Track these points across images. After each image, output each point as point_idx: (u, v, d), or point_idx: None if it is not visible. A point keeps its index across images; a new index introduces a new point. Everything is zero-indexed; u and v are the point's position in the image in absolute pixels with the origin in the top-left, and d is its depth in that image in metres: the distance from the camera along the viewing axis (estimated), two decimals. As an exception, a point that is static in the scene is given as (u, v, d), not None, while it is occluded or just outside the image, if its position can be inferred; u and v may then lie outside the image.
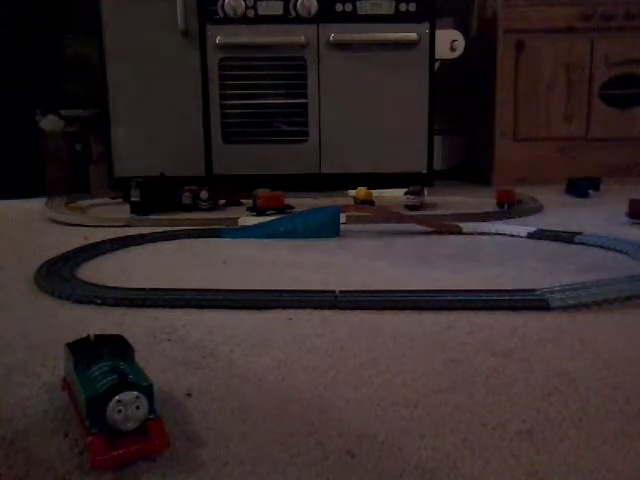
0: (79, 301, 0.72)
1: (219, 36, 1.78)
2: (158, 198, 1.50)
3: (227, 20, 1.78)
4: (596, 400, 0.45)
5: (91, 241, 1.07)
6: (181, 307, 0.70)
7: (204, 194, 1.51)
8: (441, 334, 0.60)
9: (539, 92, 1.98)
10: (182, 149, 1.85)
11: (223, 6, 1.77)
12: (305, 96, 1.84)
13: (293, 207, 1.41)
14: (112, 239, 1.09)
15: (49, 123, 1.96)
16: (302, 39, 1.79)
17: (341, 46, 1.82)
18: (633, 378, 0.49)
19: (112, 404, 0.36)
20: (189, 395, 0.47)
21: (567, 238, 1.06)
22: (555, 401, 0.45)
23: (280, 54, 1.81)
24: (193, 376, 0.51)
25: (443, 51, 1.88)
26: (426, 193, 1.66)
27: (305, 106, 1.84)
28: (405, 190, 1.51)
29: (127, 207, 1.47)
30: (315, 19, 1.79)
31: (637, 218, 1.22)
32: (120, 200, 1.64)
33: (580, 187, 1.68)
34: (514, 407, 0.44)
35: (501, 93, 1.98)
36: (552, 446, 0.39)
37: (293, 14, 1.79)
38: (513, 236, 1.11)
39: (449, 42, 1.88)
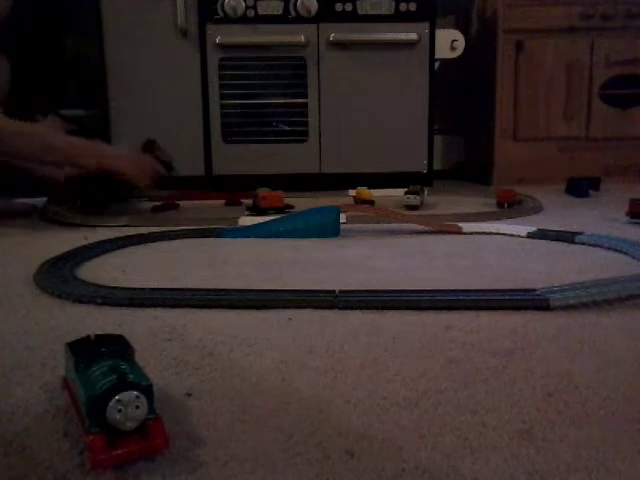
0: (79, 301, 0.72)
1: (219, 36, 1.78)
2: (104, 193, 1.49)
3: (227, 20, 1.78)
4: (596, 400, 0.45)
5: (91, 241, 1.07)
6: (181, 307, 0.70)
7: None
8: (441, 334, 0.60)
9: (539, 92, 1.98)
10: (182, 149, 1.85)
11: (223, 6, 1.77)
12: (305, 96, 1.84)
13: (293, 207, 1.41)
14: (112, 239, 1.09)
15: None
16: (302, 39, 1.79)
17: (341, 46, 1.82)
18: (633, 378, 0.49)
19: (112, 404, 0.36)
20: (189, 395, 0.47)
21: (567, 238, 1.06)
22: (555, 401, 0.45)
23: (280, 54, 1.82)
24: (193, 376, 0.51)
25: (443, 51, 1.89)
26: (426, 193, 1.66)
27: (305, 106, 1.85)
28: (405, 190, 1.51)
29: (128, 207, 1.47)
30: (315, 19, 1.79)
31: (637, 218, 1.22)
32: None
33: (580, 187, 1.68)
34: (514, 407, 0.44)
35: (501, 93, 1.99)
36: (552, 446, 0.39)
37: (293, 14, 1.79)
38: (513, 236, 1.11)
39: (449, 42, 1.89)
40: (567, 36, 1.94)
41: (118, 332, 0.46)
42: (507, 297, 0.70)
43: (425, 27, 1.82)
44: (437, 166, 2.16)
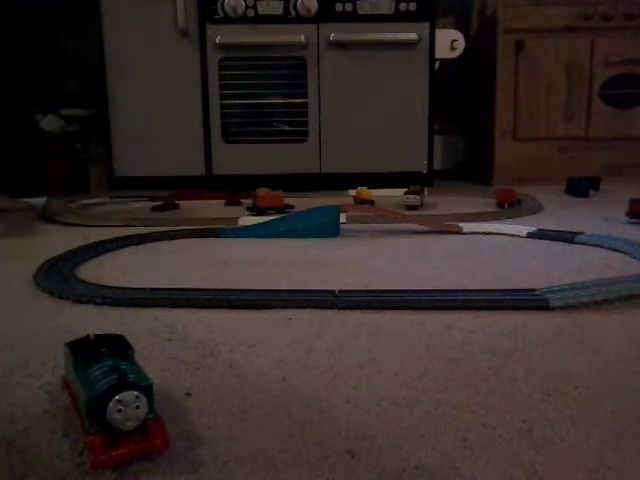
0: (79, 301, 0.72)
1: (219, 36, 1.78)
2: None
3: (227, 20, 1.78)
4: (596, 400, 0.45)
5: (91, 241, 1.07)
6: (181, 307, 0.70)
7: None
8: (441, 334, 0.60)
9: (539, 92, 1.98)
10: (182, 149, 1.85)
11: (223, 6, 1.77)
12: (305, 96, 1.84)
13: (293, 207, 1.41)
14: (112, 239, 1.09)
15: (49, 123, 1.96)
16: (302, 39, 1.79)
17: (341, 46, 1.82)
18: (633, 378, 0.49)
19: (112, 404, 0.36)
20: (189, 395, 0.47)
21: (567, 238, 1.06)
22: (555, 401, 0.45)
23: (280, 54, 1.82)
24: (193, 376, 0.51)
25: (443, 51, 1.89)
26: (426, 193, 1.66)
27: (305, 106, 1.85)
28: (405, 190, 1.51)
29: (130, 206, 1.47)
30: (315, 19, 1.79)
31: (637, 218, 1.22)
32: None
33: (580, 187, 1.69)
34: (514, 407, 0.44)
35: (501, 93, 1.98)
36: (552, 446, 0.39)
37: (293, 14, 1.79)
38: (513, 236, 1.11)
39: (449, 42, 1.89)
40: (567, 36, 1.94)
41: (118, 332, 0.46)
42: (507, 297, 0.70)
43: (425, 27, 1.82)
44: (437, 166, 2.16)
